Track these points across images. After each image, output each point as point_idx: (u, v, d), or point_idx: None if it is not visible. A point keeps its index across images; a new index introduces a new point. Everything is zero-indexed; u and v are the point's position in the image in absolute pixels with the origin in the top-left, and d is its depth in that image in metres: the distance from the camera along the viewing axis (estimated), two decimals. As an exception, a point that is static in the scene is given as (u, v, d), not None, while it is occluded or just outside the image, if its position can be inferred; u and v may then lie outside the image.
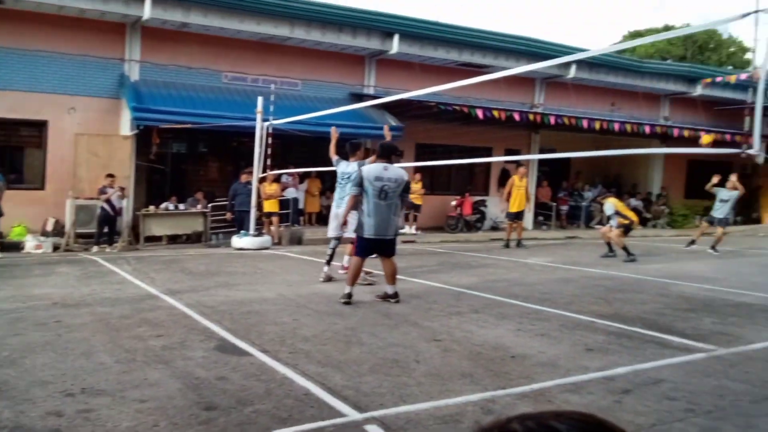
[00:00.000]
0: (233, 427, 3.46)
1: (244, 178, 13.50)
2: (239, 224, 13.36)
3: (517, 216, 14.35)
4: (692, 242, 13.99)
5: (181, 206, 14.31)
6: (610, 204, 12.33)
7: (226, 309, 6.54)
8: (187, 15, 14.38)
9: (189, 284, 8.16)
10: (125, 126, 14.33)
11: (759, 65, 5.67)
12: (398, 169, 7.10)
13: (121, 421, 3.49)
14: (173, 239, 13.86)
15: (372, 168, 7.13)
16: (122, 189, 12.82)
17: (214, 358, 4.72)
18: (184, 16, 14.35)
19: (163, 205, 14.11)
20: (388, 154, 7.32)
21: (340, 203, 8.58)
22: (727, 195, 13.58)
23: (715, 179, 13.24)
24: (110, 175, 12.67)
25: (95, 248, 12.32)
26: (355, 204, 7.13)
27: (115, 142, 13.85)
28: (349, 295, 6.95)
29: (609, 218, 12.56)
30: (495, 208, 19.32)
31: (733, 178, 13.67)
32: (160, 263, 10.33)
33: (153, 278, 8.60)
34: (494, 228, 18.94)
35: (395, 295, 7.14)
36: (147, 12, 13.74)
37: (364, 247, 7.09)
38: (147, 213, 13.62)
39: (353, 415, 3.66)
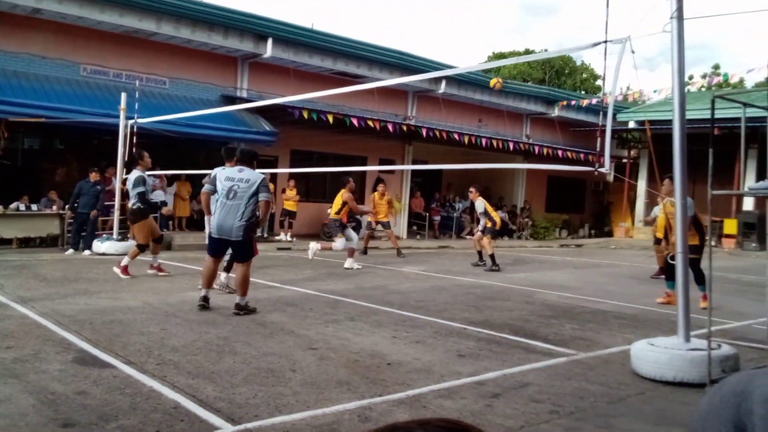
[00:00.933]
0: (95, 445, 3.20)
1: (92, 176, 12.40)
2: (79, 227, 12.29)
3: (383, 225, 14.87)
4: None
5: (34, 207, 13.16)
6: (481, 202, 12.71)
7: (86, 318, 6.07)
8: (40, 0, 13.31)
9: (43, 291, 7.51)
10: (-33, 117, 13.01)
11: (608, 92, 6.13)
12: (255, 172, 6.98)
13: (-37, 444, 3.12)
14: (25, 242, 12.71)
15: (227, 169, 7.13)
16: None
17: (72, 371, 4.36)
18: (36, 1, 13.27)
19: (13, 205, 12.88)
20: (249, 159, 7.16)
21: None
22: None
23: None
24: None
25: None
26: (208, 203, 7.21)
27: (-45, 134, 12.53)
28: (205, 299, 6.82)
29: (479, 218, 12.95)
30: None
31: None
32: (9, 268, 9.43)
33: (1, 285, 7.83)
34: (370, 236, 19.13)
35: (242, 308, 6.65)
36: (-6, -6, 12.58)
37: (210, 246, 7.08)
38: (-7, 213, 12.40)
39: (226, 427, 3.52)
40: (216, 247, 7.01)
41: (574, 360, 5.34)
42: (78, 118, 13.00)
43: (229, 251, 7.38)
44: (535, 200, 25.21)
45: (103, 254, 11.64)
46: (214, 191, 6.90)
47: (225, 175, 6.88)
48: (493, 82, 13.79)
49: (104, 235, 12.48)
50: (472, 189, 13.11)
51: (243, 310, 6.65)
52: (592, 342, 6.07)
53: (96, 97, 14.17)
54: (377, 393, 4.19)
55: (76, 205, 12.15)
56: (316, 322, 6.43)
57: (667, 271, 8.68)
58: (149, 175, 11.46)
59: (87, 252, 11.97)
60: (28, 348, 4.89)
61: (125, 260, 9.06)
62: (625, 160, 25.87)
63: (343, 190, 12.21)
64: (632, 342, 5.29)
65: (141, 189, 9.07)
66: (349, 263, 11.60)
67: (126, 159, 12.43)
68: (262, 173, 7.21)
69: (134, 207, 9.21)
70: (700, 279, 8.39)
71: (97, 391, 3.98)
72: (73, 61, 14.65)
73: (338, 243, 11.63)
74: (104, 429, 3.38)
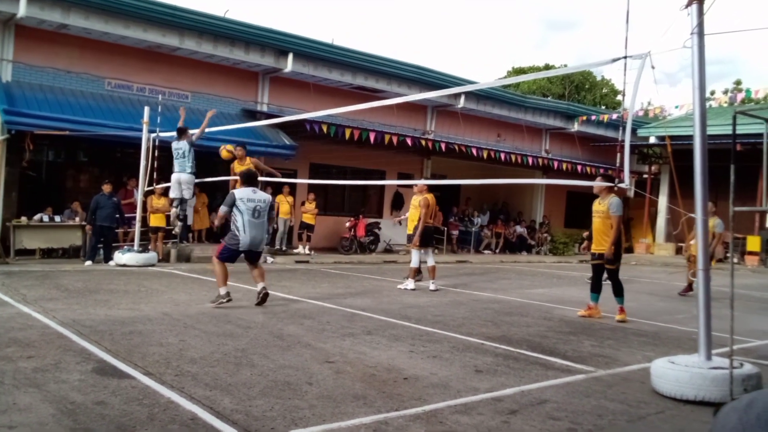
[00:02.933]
0: (113, 455, 3.22)
1: (106, 188, 12.55)
2: (98, 239, 12.44)
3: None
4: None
5: (57, 218, 13.37)
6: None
7: (106, 329, 6.14)
8: (67, 16, 13.61)
9: (65, 302, 7.60)
10: (-5, 130, 13.30)
11: (628, 107, 6.10)
12: (263, 192, 8.33)
13: (-16, 451, 3.16)
14: (48, 253, 12.89)
15: (244, 191, 8.13)
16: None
17: (91, 381, 4.40)
18: (63, 16, 13.57)
19: (37, 216, 13.11)
20: (255, 180, 8.49)
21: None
22: None
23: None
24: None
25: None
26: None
27: (-18, 146, 12.79)
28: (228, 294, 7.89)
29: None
30: (389, 230, 19.58)
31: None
32: (32, 279, 9.57)
33: (24, 295, 7.95)
34: (388, 250, 19.17)
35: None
36: (22, 9, 12.88)
37: (231, 256, 8.13)
38: (18, 224, 12.61)
39: (243, 439, 3.52)
40: (237, 257, 8.15)
41: (593, 377, 5.28)
42: (102, 131, 13.21)
43: None
44: (554, 215, 25.08)
45: (125, 265, 11.78)
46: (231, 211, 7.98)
47: (247, 197, 7.96)
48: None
49: (125, 247, 12.62)
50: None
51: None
52: (611, 359, 6.00)
53: (119, 110, 14.40)
54: (393, 408, 4.17)
55: (93, 218, 12.31)
56: (333, 335, 6.44)
57: (593, 283, 8.61)
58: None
59: (111, 263, 12.11)
60: (48, 358, 4.95)
61: None
62: (645, 176, 25.67)
63: (425, 196, 10.91)
64: (652, 360, 5.21)
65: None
66: (411, 284, 10.64)
67: (147, 171, 12.61)
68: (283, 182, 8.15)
69: None
70: (618, 291, 8.33)
71: (116, 401, 4.01)
72: (98, 75, 14.91)
73: (414, 258, 10.82)
74: (122, 439, 3.40)
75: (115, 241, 13.00)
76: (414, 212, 11.08)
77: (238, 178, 11.36)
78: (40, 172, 14.97)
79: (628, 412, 4.40)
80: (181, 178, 11.58)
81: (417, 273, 11.07)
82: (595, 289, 8.54)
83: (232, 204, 7.93)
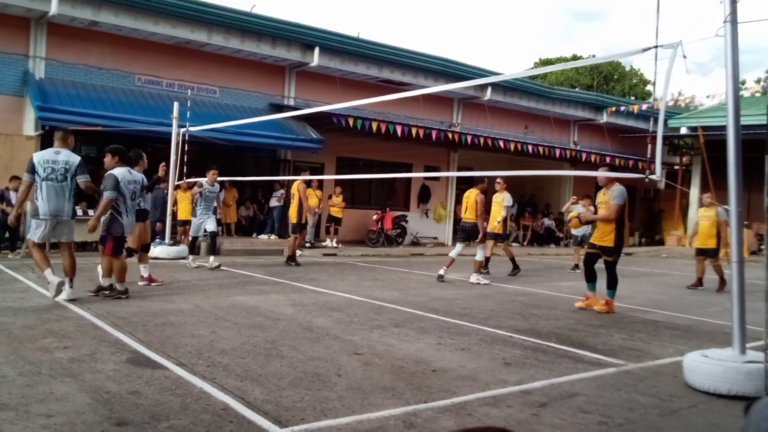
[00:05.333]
0: (148, 444, 3.29)
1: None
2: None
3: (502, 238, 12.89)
4: (576, 267, 13.65)
5: (91, 212, 13.61)
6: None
7: (139, 320, 6.26)
8: (97, 13, 13.83)
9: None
10: (29, 126, 13.58)
11: (659, 97, 5.99)
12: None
13: (24, 438, 3.25)
14: (82, 246, 13.14)
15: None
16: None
17: (126, 372, 4.49)
18: (93, 14, 13.79)
19: (71, 211, 13.38)
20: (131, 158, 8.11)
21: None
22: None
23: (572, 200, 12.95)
24: (15, 178, 11.87)
25: (-5, 254, 11.52)
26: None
27: (17, 141, 13.06)
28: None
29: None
30: (416, 223, 19.57)
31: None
32: (66, 271, 9.76)
33: (59, 287, 8.11)
34: (415, 243, 19.18)
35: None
36: (54, 8, 13.12)
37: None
38: (53, 218, 12.85)
39: (274, 429, 3.56)
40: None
41: (624, 370, 5.23)
42: (132, 127, 13.42)
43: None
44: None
45: (156, 258, 11.96)
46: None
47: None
48: None
49: (157, 240, 12.80)
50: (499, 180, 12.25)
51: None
52: (643, 353, 5.94)
53: (149, 106, 14.60)
54: (422, 399, 4.18)
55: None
56: (361, 327, 6.47)
57: (587, 272, 8.40)
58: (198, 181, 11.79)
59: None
60: (84, 348, 5.07)
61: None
62: (677, 167, 25.25)
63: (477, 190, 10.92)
64: (684, 353, 5.15)
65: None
66: (475, 278, 10.82)
67: (177, 166, 12.77)
68: (309, 179, 7.83)
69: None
70: (612, 283, 8.15)
71: (150, 391, 4.09)
72: (128, 71, 15.14)
73: (456, 249, 11.00)
74: (156, 428, 3.47)
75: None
76: (497, 209, 11.84)
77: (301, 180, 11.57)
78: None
79: (660, 406, 4.35)
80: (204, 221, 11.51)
81: (484, 264, 11.41)
82: (590, 278, 8.40)
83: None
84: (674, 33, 9.26)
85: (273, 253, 14.53)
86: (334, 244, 16.76)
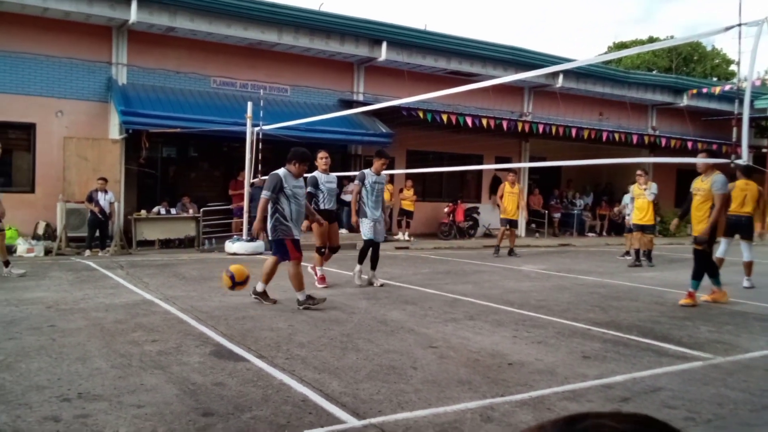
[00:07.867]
0: (232, 433, 3.41)
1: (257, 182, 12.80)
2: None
3: (511, 223, 13.93)
4: (626, 253, 13.62)
5: (173, 210, 14.21)
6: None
7: (221, 314, 6.48)
8: (174, 19, 14.33)
9: (183, 289, 8.10)
10: (114, 130, 14.23)
11: (744, 77, 5.69)
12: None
13: (119, 426, 3.43)
14: (165, 243, 13.74)
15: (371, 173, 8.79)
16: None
17: (210, 364, 4.66)
18: (170, 20, 14.30)
19: (155, 209, 14.01)
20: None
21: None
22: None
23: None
24: (103, 179, 12.52)
25: (87, 252, 12.19)
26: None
27: (104, 145, 13.73)
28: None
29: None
30: (488, 215, 19.36)
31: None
32: (153, 268, 10.24)
33: (147, 283, 8.52)
34: (487, 235, 18.99)
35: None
36: (133, 16, 13.68)
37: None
38: (139, 217, 13.50)
39: (352, 421, 3.61)
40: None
41: (711, 364, 5.02)
42: (209, 127, 13.86)
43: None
44: (663, 195, 23.78)
45: (234, 254, 12.33)
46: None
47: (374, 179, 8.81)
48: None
49: (235, 236, 13.20)
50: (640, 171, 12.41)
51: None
52: (731, 346, 5.67)
53: (225, 106, 15.05)
54: (499, 393, 4.15)
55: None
56: (435, 320, 6.47)
57: (703, 266, 7.71)
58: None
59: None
60: (171, 341, 5.29)
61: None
62: (765, 150, 23.90)
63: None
64: (777, 346, 4.90)
65: (310, 190, 8.52)
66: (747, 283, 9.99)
67: (252, 164, 13.12)
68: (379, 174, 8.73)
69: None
70: (698, 274, 7.66)
71: (233, 382, 4.24)
72: (204, 74, 15.64)
73: None
74: (240, 419, 3.59)
75: (227, 231, 13.70)
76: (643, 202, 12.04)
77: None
78: (156, 168, 15.91)
79: (751, 401, 4.15)
80: None
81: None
82: (712, 273, 7.97)
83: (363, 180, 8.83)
84: (759, 10, 8.76)
85: (345, 248, 14.68)
86: (407, 238, 16.80)
